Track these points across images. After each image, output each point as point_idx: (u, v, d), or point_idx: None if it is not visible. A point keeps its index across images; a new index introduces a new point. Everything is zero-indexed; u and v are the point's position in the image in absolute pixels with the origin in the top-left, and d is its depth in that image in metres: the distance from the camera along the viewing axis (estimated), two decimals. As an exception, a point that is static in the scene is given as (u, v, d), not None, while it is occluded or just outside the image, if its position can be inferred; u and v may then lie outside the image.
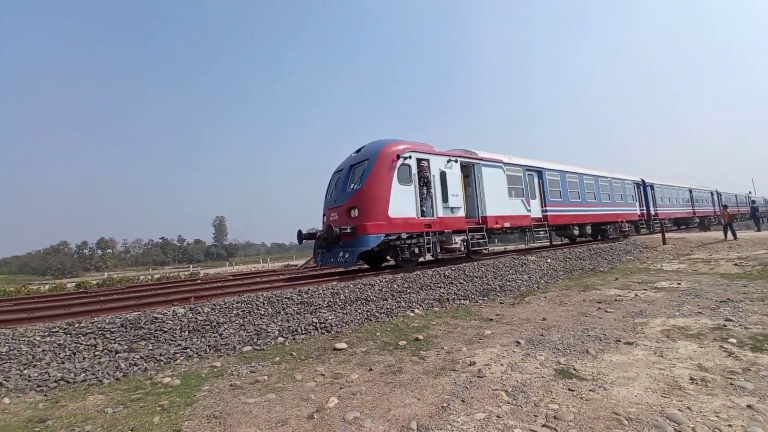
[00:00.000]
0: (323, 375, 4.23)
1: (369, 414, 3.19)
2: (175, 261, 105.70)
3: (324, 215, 11.16)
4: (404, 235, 9.89)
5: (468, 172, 12.15)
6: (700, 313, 6.07)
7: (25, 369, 4.73)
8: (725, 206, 19.39)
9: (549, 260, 12.29)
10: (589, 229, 17.30)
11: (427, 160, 10.72)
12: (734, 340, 4.59)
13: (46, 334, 5.35)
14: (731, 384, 3.42)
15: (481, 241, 11.62)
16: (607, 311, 6.55)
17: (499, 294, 8.71)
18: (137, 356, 5.03)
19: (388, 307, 7.41)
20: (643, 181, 22.72)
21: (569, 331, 5.46)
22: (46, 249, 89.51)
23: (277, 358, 4.97)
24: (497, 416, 3.05)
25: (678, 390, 3.38)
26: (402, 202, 9.86)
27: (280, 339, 5.84)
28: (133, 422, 3.29)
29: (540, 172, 14.79)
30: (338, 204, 10.24)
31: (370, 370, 4.30)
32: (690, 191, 29.96)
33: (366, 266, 12.24)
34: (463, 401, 3.35)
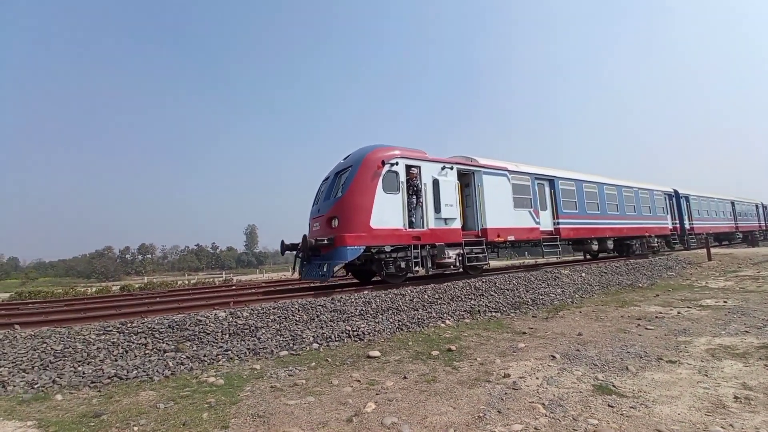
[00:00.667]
0: (359, 381, 4.34)
1: (406, 420, 3.27)
2: (208, 267, 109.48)
3: (309, 225, 10.63)
4: (388, 248, 9.18)
5: (467, 180, 11.34)
6: (746, 332, 5.79)
7: (79, 366, 5.08)
8: None
9: (584, 274, 11.95)
10: (610, 244, 15.80)
11: (418, 167, 9.95)
12: (786, 362, 4.36)
13: (101, 332, 5.75)
14: (782, 406, 3.28)
15: (480, 255, 10.57)
16: (647, 328, 6.33)
17: (531, 307, 8.58)
18: (183, 356, 5.34)
19: (419, 317, 7.48)
20: (676, 192, 21.09)
21: (607, 347, 5.33)
22: (92, 253, 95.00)
23: (313, 363, 5.13)
24: (535, 428, 3.06)
25: (722, 408, 3.27)
26: (387, 212, 9.20)
27: (315, 345, 6.01)
28: (183, 418, 3.51)
29: (552, 181, 13.53)
30: (321, 213, 9.74)
31: (405, 378, 4.37)
32: (732, 204, 28.09)
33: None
34: (499, 412, 3.37)
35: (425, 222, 9.77)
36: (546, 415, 3.27)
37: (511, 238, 11.50)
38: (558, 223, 13.18)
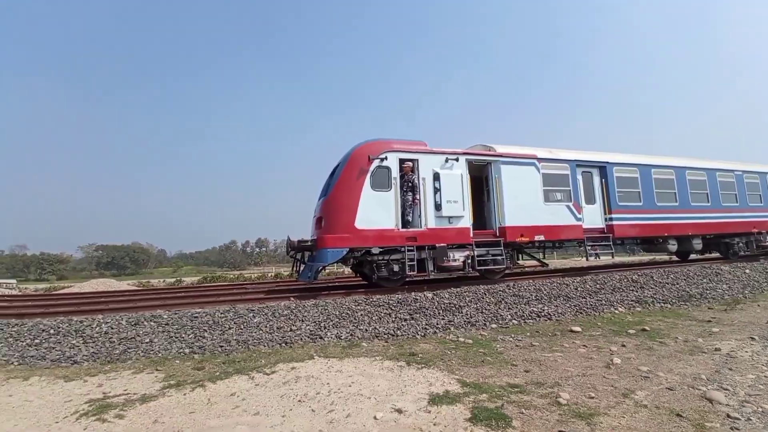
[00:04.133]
0: (585, 346, 5.66)
1: (654, 370, 4.50)
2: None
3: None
4: (375, 250, 8.79)
5: (483, 172, 10.45)
6: None
7: (360, 325, 7.06)
8: None
9: (747, 270, 11.58)
10: (697, 243, 12.92)
11: (415, 161, 9.23)
12: None
13: (355, 303, 7.89)
14: None
15: (498, 258, 9.58)
16: None
17: (701, 300, 8.96)
18: (422, 323, 7.22)
19: (591, 303, 8.51)
20: None
21: (808, 334, 5.84)
22: (221, 246, 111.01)
23: (528, 333, 6.59)
24: (765, 377, 4.07)
25: None
26: (374, 211, 8.70)
27: (514, 321, 7.49)
28: (474, 358, 5.20)
29: (603, 168, 11.56)
30: (315, 214, 9.53)
31: (624, 346, 5.57)
32: None
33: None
34: (730, 369, 4.41)
35: (423, 221, 9.11)
36: (775, 374, 4.23)
37: (540, 237, 10.14)
38: (611, 219, 11.24)
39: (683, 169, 13.07)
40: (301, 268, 9.07)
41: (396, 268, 8.87)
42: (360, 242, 8.55)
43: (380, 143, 9.11)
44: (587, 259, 11.43)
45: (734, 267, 11.81)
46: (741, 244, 14.15)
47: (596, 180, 11.52)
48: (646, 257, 24.65)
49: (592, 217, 11.18)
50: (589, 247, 10.79)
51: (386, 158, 8.95)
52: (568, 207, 10.71)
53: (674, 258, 15.34)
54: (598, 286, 9.56)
